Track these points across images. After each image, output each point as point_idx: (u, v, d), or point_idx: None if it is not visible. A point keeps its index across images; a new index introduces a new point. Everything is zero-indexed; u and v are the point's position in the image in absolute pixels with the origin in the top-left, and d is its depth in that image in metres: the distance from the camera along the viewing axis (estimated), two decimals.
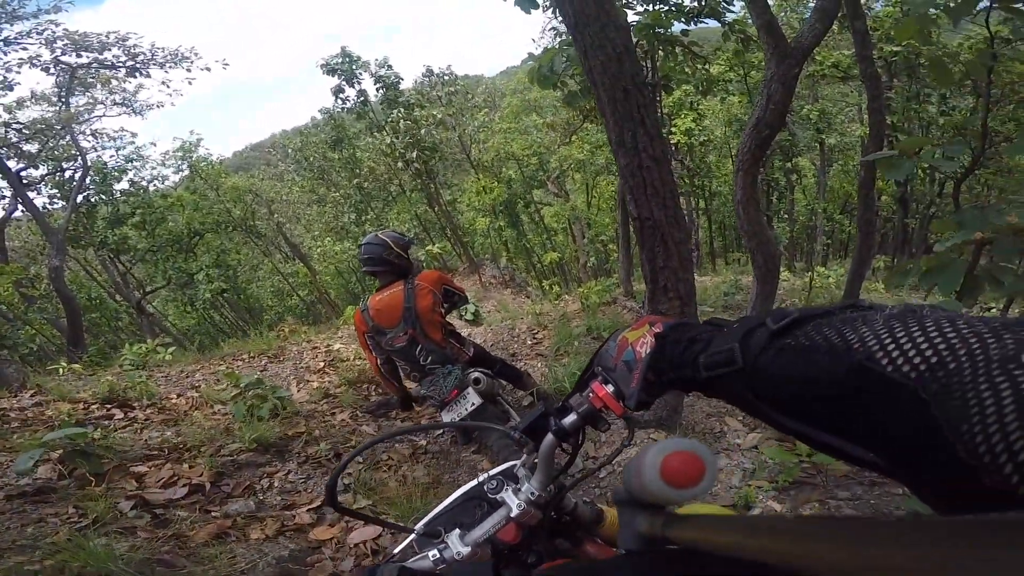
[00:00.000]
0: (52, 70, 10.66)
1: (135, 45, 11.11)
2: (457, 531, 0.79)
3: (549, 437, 0.74)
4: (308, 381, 4.42)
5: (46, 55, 10.30)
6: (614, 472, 2.68)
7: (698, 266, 15.20)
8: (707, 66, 6.77)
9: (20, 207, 10.34)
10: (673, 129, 12.62)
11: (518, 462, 0.87)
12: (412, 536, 0.88)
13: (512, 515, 0.78)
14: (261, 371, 4.77)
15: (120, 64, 11.27)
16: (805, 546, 0.25)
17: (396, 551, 0.95)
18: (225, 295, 15.32)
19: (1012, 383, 0.28)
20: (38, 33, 9.99)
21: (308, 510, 2.29)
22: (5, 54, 9.69)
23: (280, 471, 2.67)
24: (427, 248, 11.39)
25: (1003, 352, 0.29)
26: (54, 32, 10.12)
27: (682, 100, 12.66)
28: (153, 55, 11.38)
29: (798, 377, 0.40)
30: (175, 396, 3.78)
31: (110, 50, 10.94)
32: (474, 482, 0.95)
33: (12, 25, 9.63)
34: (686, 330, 0.60)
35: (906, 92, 10.58)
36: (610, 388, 0.67)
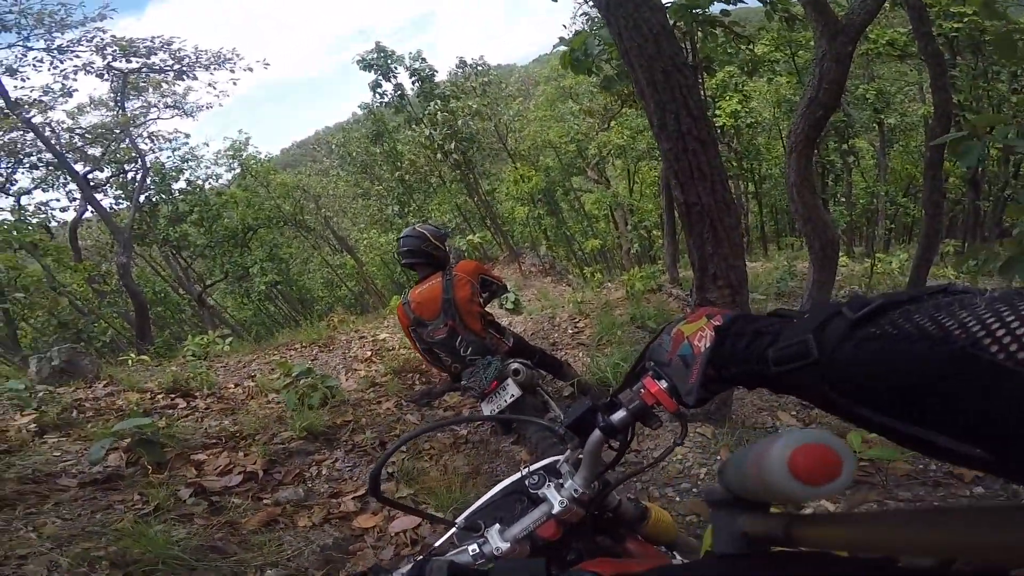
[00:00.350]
0: (106, 76, 11.34)
1: (180, 49, 11.67)
2: (497, 526, 0.77)
3: (596, 433, 0.71)
4: (356, 370, 4.55)
5: (98, 62, 10.98)
6: (659, 469, 2.63)
7: (748, 251, 14.67)
8: (751, 46, 6.45)
9: (89, 208, 11.07)
10: (718, 112, 12.17)
11: (562, 457, 0.85)
12: (453, 529, 0.88)
13: (554, 512, 0.77)
14: (312, 360, 4.95)
15: (168, 68, 11.85)
16: (944, 534, 0.26)
17: (436, 544, 0.95)
18: (278, 287, 16.00)
19: None
20: (88, 40, 10.63)
21: (353, 498, 2.36)
22: (61, 62, 10.36)
23: (328, 459, 2.77)
24: (467, 238, 11.47)
25: None
26: (103, 39, 10.74)
27: (726, 82, 12.21)
28: (198, 58, 11.93)
29: (886, 368, 0.37)
30: (233, 386, 3.98)
31: (156, 54, 11.54)
32: (516, 476, 0.93)
33: (63, 33, 10.27)
34: (749, 322, 0.57)
35: (972, 70, 9.77)
36: (663, 384, 0.65)
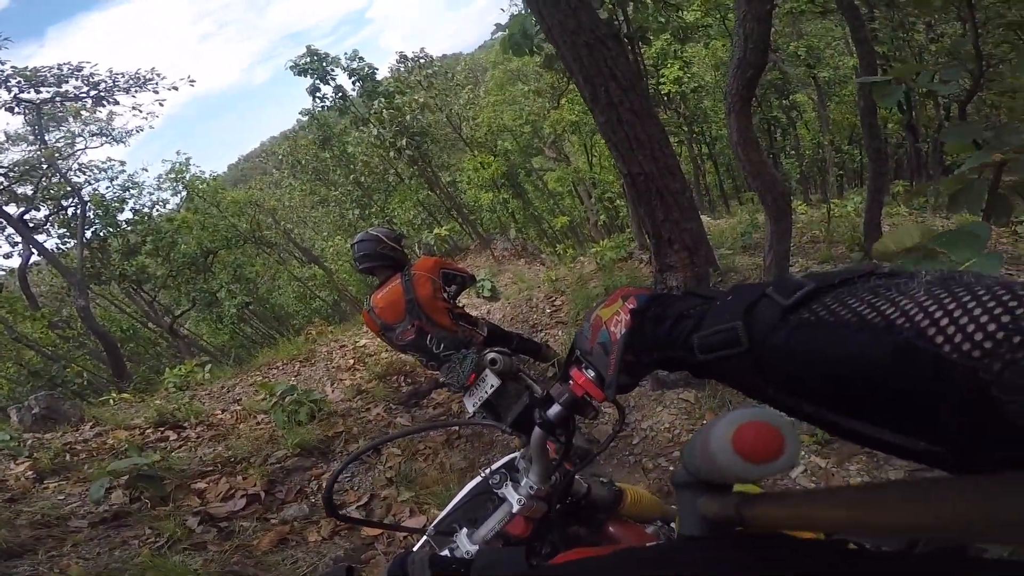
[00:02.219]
0: (16, 109, 10.64)
1: (93, 74, 10.97)
2: (465, 530, 0.79)
3: (537, 430, 0.71)
4: (341, 380, 4.57)
5: (4, 95, 10.28)
6: (647, 438, 2.72)
7: (712, 209, 15.02)
8: (680, 13, 6.55)
9: (35, 252, 10.56)
10: (663, 79, 12.31)
11: (518, 454, 0.85)
12: (425, 537, 0.89)
13: (514, 511, 0.77)
14: (295, 376, 4.94)
15: (83, 95, 11.16)
16: (883, 510, 0.25)
17: (414, 550, 1.00)
18: (250, 307, 15.63)
19: None
20: None
21: (357, 507, 2.42)
22: None
23: (326, 472, 2.82)
24: (435, 231, 11.41)
25: None
26: (2, 71, 10.05)
27: (665, 50, 12.34)
28: (115, 81, 11.25)
29: (825, 359, 0.35)
30: (220, 412, 3.96)
31: (67, 82, 10.85)
32: (479, 478, 0.93)
33: None
34: (668, 304, 0.54)
35: (890, 22, 10.13)
36: (590, 373, 0.63)
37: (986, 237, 1.30)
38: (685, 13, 8.34)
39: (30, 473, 2.66)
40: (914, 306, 0.31)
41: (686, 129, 14.69)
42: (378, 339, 5.20)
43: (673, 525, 1.16)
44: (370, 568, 2.03)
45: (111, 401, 4.75)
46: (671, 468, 2.52)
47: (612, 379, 0.57)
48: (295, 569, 1.92)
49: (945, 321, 0.29)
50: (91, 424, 3.72)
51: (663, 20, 5.84)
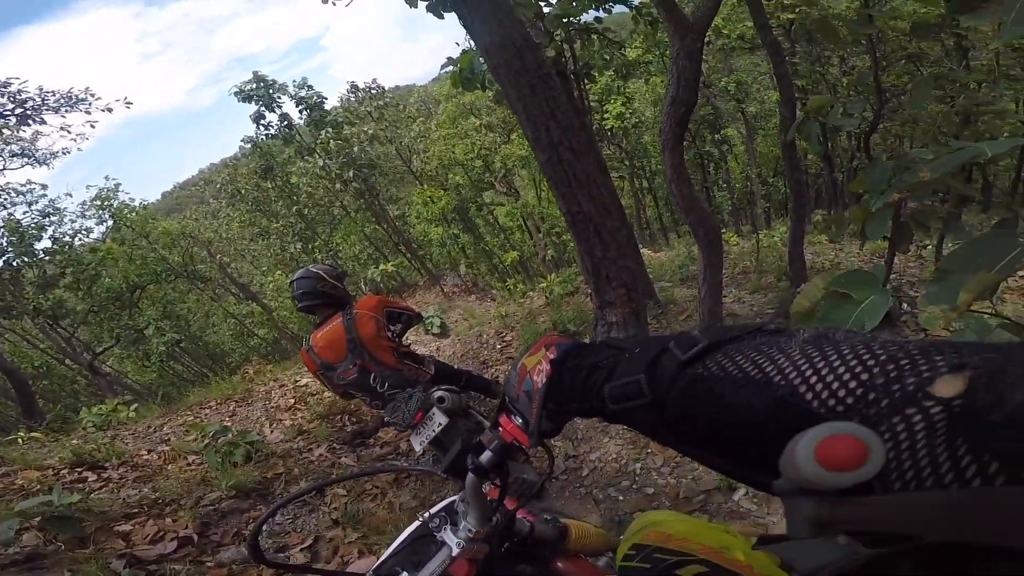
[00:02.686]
0: None
1: (20, 91, 10.25)
2: (406, 574, 0.78)
3: (470, 475, 0.73)
4: (280, 420, 4.35)
5: None
6: (596, 469, 2.74)
7: (652, 243, 15.65)
8: (624, 51, 6.97)
9: None
10: (606, 115, 12.89)
11: (457, 497, 0.86)
12: None
13: (453, 554, 0.77)
14: (230, 416, 4.66)
15: (7, 112, 10.38)
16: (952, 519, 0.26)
17: None
18: (181, 345, 14.65)
19: (924, 415, 0.28)
20: None
21: (300, 550, 2.29)
22: None
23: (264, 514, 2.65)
24: (381, 267, 11.25)
25: (918, 381, 0.30)
26: None
27: (609, 86, 12.94)
28: (44, 100, 10.55)
29: (714, 411, 0.39)
30: (146, 452, 3.67)
31: None
32: (418, 521, 0.93)
33: None
34: (585, 354, 0.57)
35: (809, 57, 11.15)
36: (518, 420, 0.66)
37: (880, 275, 1.45)
38: (628, 50, 8.84)
39: None
40: (789, 364, 0.35)
41: (627, 164, 15.33)
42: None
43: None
44: None
45: (20, 440, 4.30)
46: (620, 498, 2.55)
47: (535, 427, 0.59)
48: None
49: (814, 379, 0.33)
50: None
51: (607, 57, 6.18)
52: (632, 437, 2.93)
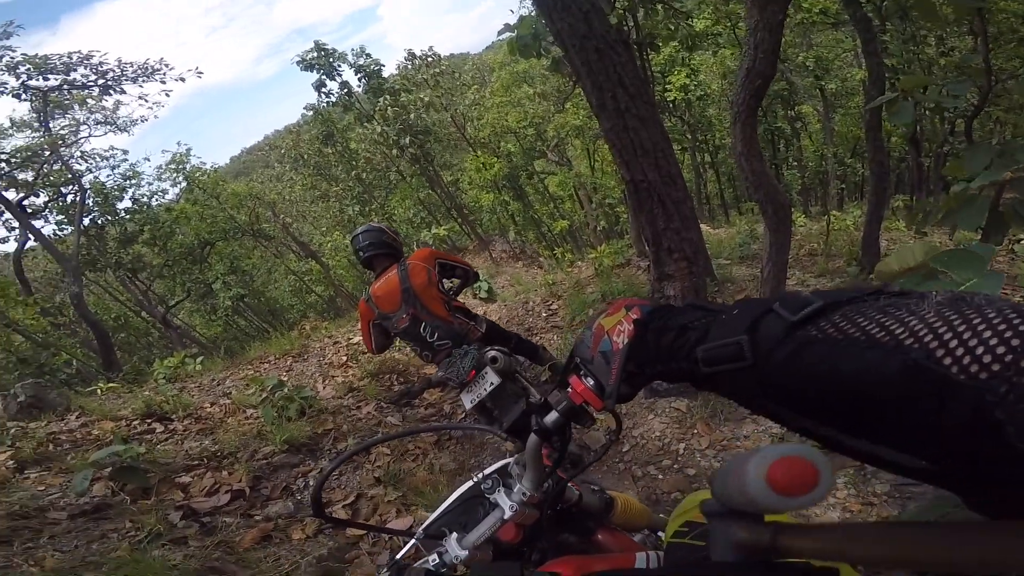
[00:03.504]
0: (24, 96, 10.63)
1: (101, 63, 11.00)
2: (455, 535, 0.77)
3: (533, 436, 0.71)
4: (333, 376, 4.53)
5: (12, 82, 10.27)
6: (638, 446, 2.70)
7: (711, 219, 15.04)
8: (690, 21, 6.57)
9: (32, 237, 10.52)
10: (668, 86, 12.33)
11: (511, 460, 0.84)
12: (414, 540, 0.87)
13: (506, 517, 0.76)
14: (287, 371, 4.90)
15: (91, 83, 11.19)
16: (916, 549, 0.27)
17: (399, 555, 0.95)
18: (245, 300, 15.56)
19: None
20: None
21: (343, 507, 2.38)
22: None
23: (313, 470, 2.78)
24: (433, 231, 11.39)
25: None
26: (12, 58, 10.05)
27: (673, 57, 12.38)
28: (123, 71, 11.28)
29: (826, 375, 0.35)
30: (209, 405, 3.92)
31: (76, 70, 10.87)
32: (470, 482, 0.92)
33: None
34: (672, 315, 0.54)
35: (901, 35, 10.20)
36: (589, 382, 0.63)
37: (988, 257, 1.28)
38: (695, 21, 8.34)
39: (11, 463, 2.61)
40: (923, 326, 0.31)
41: (689, 137, 14.71)
42: None
43: (660, 534, 1.17)
44: (353, 568, 1.99)
45: (99, 391, 4.69)
46: (660, 477, 2.51)
47: (613, 389, 0.57)
48: (277, 567, 1.88)
49: (954, 342, 0.29)
50: (77, 414, 3.67)
51: (672, 28, 5.84)
52: (678, 417, 2.85)
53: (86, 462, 2.35)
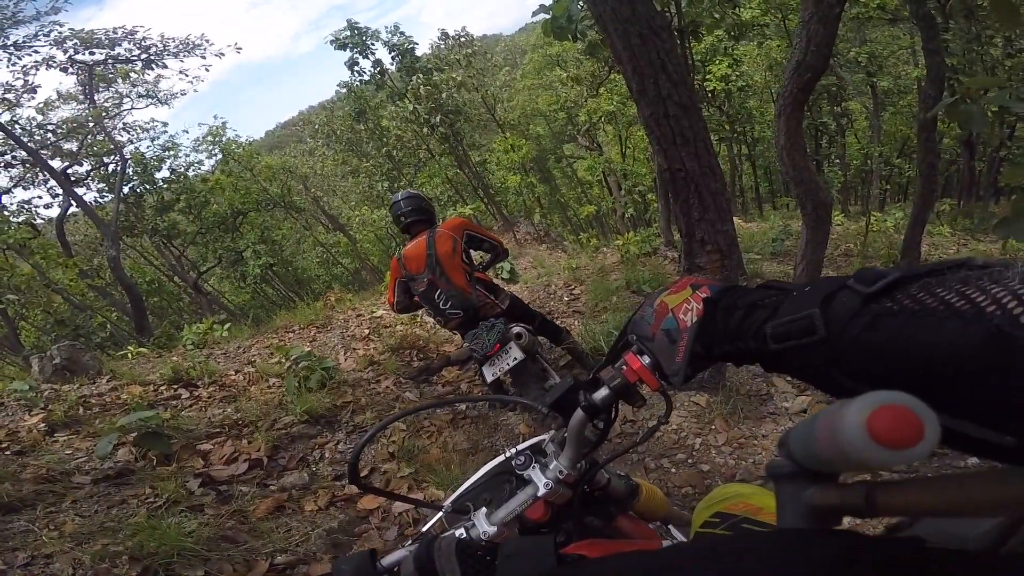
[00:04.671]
0: (70, 69, 11.02)
1: (145, 38, 11.36)
2: (484, 509, 0.76)
3: (579, 413, 0.68)
4: (354, 349, 4.58)
5: (60, 56, 10.64)
6: (654, 438, 2.66)
7: (744, 212, 14.68)
8: (737, 10, 6.32)
9: (74, 203, 10.93)
10: (708, 76, 11.99)
11: (547, 436, 0.83)
12: (440, 513, 0.87)
13: (539, 494, 0.74)
14: (311, 342, 4.98)
15: (134, 58, 11.55)
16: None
17: (424, 528, 0.95)
18: (274, 269, 15.94)
19: None
20: (45, 35, 10.28)
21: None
22: (19, 58, 10.04)
23: (330, 442, 2.83)
24: (460, 209, 11.40)
25: None
26: (61, 32, 10.39)
27: (715, 46, 12.03)
28: (165, 46, 11.63)
29: (908, 349, 0.33)
30: (233, 372, 4.01)
31: (120, 45, 11.23)
32: (501, 457, 0.91)
33: (16, 29, 9.91)
34: (742, 294, 0.52)
35: (965, 34, 9.64)
36: (646, 360, 0.61)
37: None
38: (742, 10, 8.03)
39: (42, 425, 2.71)
40: (1007, 293, 0.29)
41: (728, 128, 14.30)
42: (393, 314, 5.27)
43: (671, 527, 1.17)
44: (361, 541, 2.02)
45: (129, 355, 4.85)
46: (673, 470, 2.48)
47: (680, 367, 0.56)
48: (288, 537, 1.92)
49: None
50: (108, 377, 3.79)
51: (718, 16, 5.63)
52: (697, 411, 2.80)
53: (113, 427, 2.42)
